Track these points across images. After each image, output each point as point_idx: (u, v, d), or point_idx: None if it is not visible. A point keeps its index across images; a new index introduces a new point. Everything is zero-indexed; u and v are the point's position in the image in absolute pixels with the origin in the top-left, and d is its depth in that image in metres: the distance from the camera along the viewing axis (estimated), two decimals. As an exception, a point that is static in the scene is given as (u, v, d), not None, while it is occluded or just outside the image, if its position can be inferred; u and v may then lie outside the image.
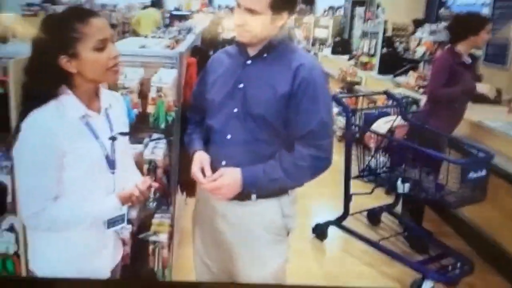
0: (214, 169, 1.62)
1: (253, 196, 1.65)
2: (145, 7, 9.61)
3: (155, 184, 1.56)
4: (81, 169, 1.40)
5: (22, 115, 1.35)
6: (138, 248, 2.21)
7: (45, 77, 1.34)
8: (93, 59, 1.34)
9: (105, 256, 1.57)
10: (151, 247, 2.17)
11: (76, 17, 1.33)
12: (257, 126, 1.59)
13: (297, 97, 1.55)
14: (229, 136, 1.63)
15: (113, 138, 1.48)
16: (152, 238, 2.17)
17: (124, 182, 1.54)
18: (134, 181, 1.54)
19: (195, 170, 1.63)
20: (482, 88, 3.16)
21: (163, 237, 2.18)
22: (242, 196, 1.62)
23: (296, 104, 1.55)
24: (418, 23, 5.90)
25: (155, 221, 2.22)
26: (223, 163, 1.62)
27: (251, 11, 1.52)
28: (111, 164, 1.47)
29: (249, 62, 1.62)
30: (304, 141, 1.57)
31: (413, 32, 5.72)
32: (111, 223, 1.50)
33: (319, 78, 1.58)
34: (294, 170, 1.59)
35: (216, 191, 1.59)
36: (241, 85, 1.61)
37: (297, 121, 1.57)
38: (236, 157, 1.61)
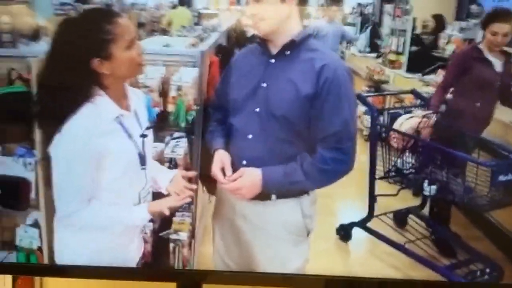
0: (234, 168, 1.63)
1: (273, 196, 1.65)
2: (174, 6, 9.82)
3: (188, 199, 1.59)
4: (119, 168, 1.45)
5: (55, 115, 1.37)
6: (159, 246, 2.23)
7: (76, 79, 1.36)
8: (126, 58, 1.38)
9: (131, 251, 1.63)
10: (171, 246, 2.19)
11: (104, 19, 1.36)
12: (279, 126, 1.58)
13: (321, 98, 1.53)
14: (250, 136, 1.62)
15: (143, 135, 1.53)
16: (173, 237, 2.18)
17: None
18: (164, 177, 1.64)
19: (215, 169, 1.65)
20: None
21: (183, 236, 2.19)
22: (262, 196, 1.62)
23: (319, 105, 1.54)
24: (439, 19, 5.72)
25: (176, 219, 2.24)
26: (244, 162, 1.63)
27: None
28: (143, 160, 1.52)
29: (272, 60, 1.61)
30: (326, 143, 1.56)
31: (436, 29, 5.56)
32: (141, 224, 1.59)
33: (344, 79, 1.56)
34: (315, 173, 1.57)
35: (236, 191, 1.60)
36: (264, 84, 1.60)
37: (320, 122, 1.55)
38: (257, 157, 1.61)
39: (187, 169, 2.24)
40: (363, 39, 7.10)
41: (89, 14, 1.43)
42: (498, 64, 2.95)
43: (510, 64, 3.01)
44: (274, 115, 1.57)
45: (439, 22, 5.74)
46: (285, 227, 1.69)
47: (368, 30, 6.97)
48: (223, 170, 1.64)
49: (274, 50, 1.61)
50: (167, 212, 1.51)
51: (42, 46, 2.66)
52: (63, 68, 1.36)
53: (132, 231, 1.60)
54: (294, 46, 1.58)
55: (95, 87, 1.41)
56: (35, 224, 2.10)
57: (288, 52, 1.59)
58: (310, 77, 1.54)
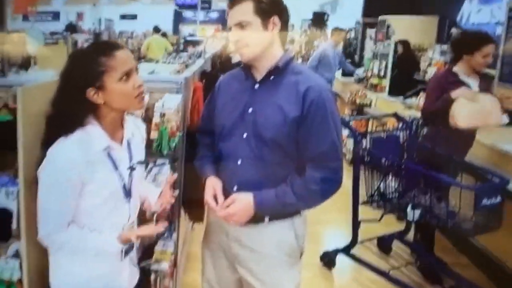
0: (226, 194, 1.63)
1: (266, 218, 1.65)
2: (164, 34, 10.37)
3: (161, 229, 1.57)
4: (99, 198, 1.47)
5: (48, 141, 1.42)
6: (141, 277, 2.17)
7: (73, 108, 1.41)
8: (119, 90, 1.41)
9: (119, 282, 1.62)
10: (152, 276, 2.13)
11: (101, 52, 1.41)
12: (268, 150, 1.58)
13: (307, 120, 1.55)
14: (239, 161, 1.63)
15: (132, 169, 1.54)
16: (154, 267, 2.12)
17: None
18: (154, 195, 1.70)
19: (207, 197, 1.65)
20: (456, 93, 2.87)
21: (164, 266, 2.13)
22: (255, 218, 1.62)
23: (306, 127, 1.55)
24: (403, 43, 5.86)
25: (157, 248, 2.18)
26: (235, 188, 1.63)
27: (241, 25, 1.55)
28: (127, 193, 1.53)
29: (257, 86, 1.62)
30: (315, 163, 1.57)
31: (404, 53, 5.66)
32: (126, 251, 1.54)
33: (328, 100, 1.58)
34: (305, 193, 1.58)
35: (230, 217, 1.60)
36: (251, 110, 1.61)
37: (308, 143, 1.57)
38: (247, 182, 1.61)
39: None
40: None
41: (93, 47, 1.51)
42: (474, 85, 2.99)
43: (485, 83, 3.06)
44: (262, 139, 1.57)
45: (406, 46, 5.87)
46: (279, 248, 1.67)
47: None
48: (215, 198, 1.64)
49: (258, 76, 1.62)
50: (134, 240, 1.52)
51: (31, 75, 2.66)
52: (63, 97, 1.41)
53: (118, 260, 1.56)
54: (278, 71, 1.59)
55: (89, 115, 1.44)
56: (16, 255, 2.04)
57: (273, 77, 1.60)
58: (295, 100, 1.54)
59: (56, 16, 17.96)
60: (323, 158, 1.56)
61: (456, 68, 3.01)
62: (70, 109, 1.40)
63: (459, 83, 2.95)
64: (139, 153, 1.61)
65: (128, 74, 1.41)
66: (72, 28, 12.12)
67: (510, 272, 3.02)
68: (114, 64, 1.39)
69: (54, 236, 1.46)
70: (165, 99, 2.15)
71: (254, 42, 1.56)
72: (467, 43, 3.00)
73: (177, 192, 1.72)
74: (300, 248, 1.73)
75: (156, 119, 2.07)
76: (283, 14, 1.60)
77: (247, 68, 1.65)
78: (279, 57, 1.60)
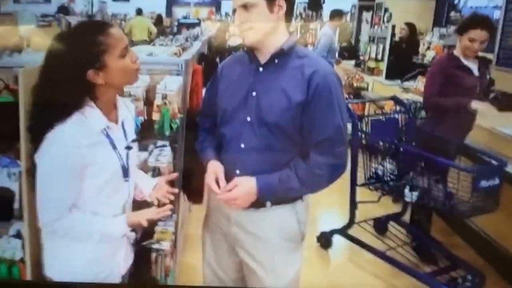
0: (228, 178, 1.61)
1: (268, 203, 1.64)
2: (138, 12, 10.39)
3: (168, 212, 1.58)
4: (101, 179, 1.45)
5: (45, 125, 1.38)
6: (141, 256, 2.20)
7: (70, 91, 1.37)
8: (120, 66, 1.40)
9: (117, 262, 1.62)
10: (153, 255, 2.15)
11: (97, 31, 1.38)
12: (271, 134, 1.57)
13: (312, 104, 1.53)
14: (243, 145, 1.61)
15: (128, 148, 1.54)
16: (155, 246, 2.15)
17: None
18: (148, 185, 1.67)
19: (209, 181, 1.63)
20: (477, 105, 2.93)
21: (166, 245, 2.16)
22: (257, 203, 1.61)
23: (311, 111, 1.53)
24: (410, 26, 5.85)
25: (158, 228, 2.21)
26: (237, 172, 1.61)
27: (245, 7, 1.51)
28: (125, 172, 1.52)
29: (261, 69, 1.60)
30: (320, 148, 1.56)
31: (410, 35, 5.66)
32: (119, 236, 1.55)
33: (334, 84, 1.56)
34: (310, 178, 1.57)
35: (232, 201, 1.58)
36: (254, 93, 1.59)
37: (312, 128, 1.55)
38: (250, 166, 1.59)
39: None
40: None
41: (81, 27, 1.47)
42: (475, 68, 3.00)
43: (484, 67, 3.07)
44: (266, 123, 1.56)
45: (412, 29, 5.85)
46: (281, 233, 1.67)
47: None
48: (217, 181, 1.62)
49: (263, 59, 1.59)
50: (145, 224, 1.52)
51: (26, 57, 2.64)
52: (57, 81, 1.37)
53: (117, 241, 1.59)
54: (283, 54, 1.57)
55: (86, 97, 1.42)
56: (18, 235, 2.05)
57: (277, 61, 1.57)
58: (300, 84, 1.53)
59: (47, -2, 17.69)
60: (328, 143, 1.55)
61: (456, 52, 3.00)
62: (67, 92, 1.37)
63: (462, 68, 2.95)
64: (132, 133, 1.60)
65: (125, 50, 1.41)
66: (64, 10, 11.96)
67: (505, 253, 3.07)
68: (113, 42, 1.38)
69: (57, 223, 1.44)
70: (167, 81, 2.14)
71: (259, 25, 1.53)
72: (460, 24, 3.02)
73: (176, 190, 1.69)
74: (302, 233, 1.73)
75: (158, 100, 2.07)
76: None
77: (250, 51, 1.62)
78: (284, 40, 1.58)
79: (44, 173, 1.40)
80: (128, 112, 1.61)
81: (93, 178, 1.43)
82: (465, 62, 2.97)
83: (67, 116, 1.37)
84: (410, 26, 5.86)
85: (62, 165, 1.37)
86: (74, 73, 1.36)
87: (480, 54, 3.09)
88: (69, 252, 1.51)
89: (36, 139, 1.39)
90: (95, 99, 1.42)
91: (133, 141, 1.58)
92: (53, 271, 1.55)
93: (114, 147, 1.47)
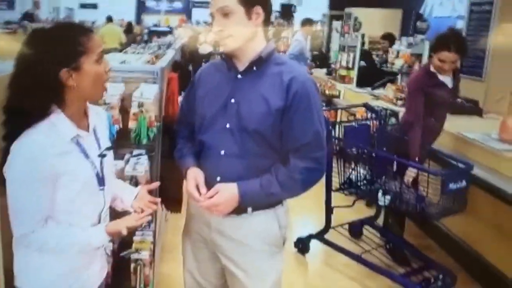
0: (208, 185, 1.60)
1: (249, 209, 1.64)
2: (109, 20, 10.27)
3: (147, 218, 1.55)
4: (74, 189, 1.40)
5: (10, 136, 1.33)
6: (119, 267, 2.17)
7: (38, 94, 1.32)
8: (94, 72, 1.37)
9: (92, 273, 1.57)
10: (132, 265, 2.12)
11: (80, 32, 1.36)
12: (251, 140, 1.58)
13: (291, 110, 1.54)
14: (222, 152, 1.61)
15: (102, 155, 1.50)
16: (134, 256, 2.12)
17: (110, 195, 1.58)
18: (128, 194, 1.63)
19: (190, 188, 1.62)
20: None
21: (144, 255, 2.13)
22: (238, 210, 1.61)
23: (290, 117, 1.55)
24: (388, 38, 6.01)
25: (136, 238, 2.18)
26: (218, 179, 1.61)
27: (224, 13, 1.52)
28: (100, 181, 1.48)
29: (239, 76, 1.61)
30: (299, 153, 1.57)
31: (382, 48, 5.81)
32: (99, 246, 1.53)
33: (312, 90, 1.58)
34: (290, 183, 1.58)
35: (213, 208, 1.58)
36: (233, 100, 1.59)
37: (292, 134, 1.56)
38: (231, 173, 1.60)
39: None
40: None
41: (62, 26, 1.43)
42: (449, 82, 3.07)
43: (456, 77, 3.14)
44: (246, 130, 1.56)
45: (390, 40, 5.99)
46: (263, 238, 1.68)
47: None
48: (197, 188, 1.61)
49: (241, 66, 1.60)
50: (125, 232, 1.48)
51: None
52: (29, 77, 1.32)
53: (92, 252, 1.55)
54: (261, 62, 1.58)
55: (54, 104, 1.36)
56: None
57: (255, 68, 1.59)
58: (279, 91, 1.54)
59: (10, 4, 17.17)
60: (307, 148, 1.56)
61: (432, 68, 3.02)
62: (35, 95, 1.32)
63: (439, 85, 3.00)
64: (105, 140, 1.56)
65: (101, 56, 1.39)
66: (28, 17, 11.69)
67: (473, 253, 3.17)
68: (92, 45, 1.36)
69: (32, 236, 1.38)
70: (143, 89, 2.14)
71: (237, 33, 1.54)
72: (433, 42, 3.07)
73: (158, 199, 1.66)
74: (283, 237, 1.74)
75: (134, 109, 2.05)
76: (267, 4, 1.59)
77: (229, 58, 1.63)
78: (262, 47, 1.60)
79: (13, 185, 1.34)
80: (100, 120, 1.57)
81: (66, 188, 1.38)
82: (441, 78, 3.02)
83: (34, 124, 1.33)
84: (389, 37, 6.01)
85: (32, 173, 1.31)
86: (48, 69, 1.31)
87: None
88: (41, 263, 1.45)
89: (5, 149, 1.34)
90: (63, 106, 1.38)
91: (108, 149, 1.55)
92: (24, 283, 1.49)
93: (87, 156, 1.43)
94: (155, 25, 12.66)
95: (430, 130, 3.08)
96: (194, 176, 1.63)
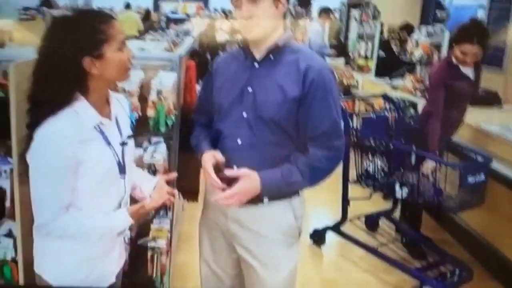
0: (225, 174, 1.56)
1: (265, 199, 1.63)
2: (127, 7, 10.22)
3: (171, 200, 1.57)
4: (96, 177, 1.41)
5: (34, 122, 1.33)
6: (136, 254, 2.18)
7: (61, 82, 1.33)
8: (117, 59, 1.37)
9: (111, 260, 1.58)
10: (149, 253, 2.14)
11: (101, 20, 1.36)
12: (268, 129, 1.57)
13: (308, 98, 1.53)
14: (239, 141, 1.60)
15: (123, 144, 1.50)
16: (151, 244, 2.13)
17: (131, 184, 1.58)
18: (148, 184, 1.61)
19: (207, 166, 1.57)
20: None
21: (161, 243, 2.14)
22: (255, 199, 1.59)
23: (307, 106, 1.54)
24: (407, 28, 5.91)
25: (153, 226, 2.19)
26: (235, 168, 1.59)
27: (253, 0, 1.49)
28: (122, 169, 1.49)
29: (256, 65, 1.60)
30: (317, 142, 1.56)
31: (401, 38, 5.72)
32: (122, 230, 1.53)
33: (328, 78, 1.57)
34: (310, 171, 1.57)
35: (233, 198, 1.54)
36: (250, 89, 1.59)
37: (309, 123, 1.56)
38: (248, 162, 1.58)
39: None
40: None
41: (83, 13, 1.41)
42: (470, 73, 3.00)
43: (478, 69, 3.08)
44: (262, 119, 1.56)
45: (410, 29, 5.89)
46: (279, 228, 1.67)
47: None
48: (217, 171, 1.56)
49: (258, 55, 1.59)
50: (152, 211, 1.52)
51: (10, 51, 2.59)
52: (52, 65, 1.32)
53: (113, 239, 1.56)
54: (278, 50, 1.57)
55: (77, 92, 1.36)
56: (9, 234, 2.01)
57: (272, 56, 1.58)
58: (296, 79, 1.53)
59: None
60: (325, 137, 1.56)
61: (454, 59, 2.94)
62: (60, 82, 1.32)
63: (461, 77, 2.94)
64: (127, 128, 1.56)
65: (123, 44, 1.39)
66: (47, 3, 11.69)
67: (490, 248, 3.13)
68: (114, 33, 1.35)
69: (54, 223, 1.38)
70: (162, 76, 2.13)
71: (265, 21, 1.53)
72: (456, 32, 2.98)
73: (176, 191, 1.64)
74: (299, 228, 1.73)
75: (152, 96, 2.05)
76: None
77: (246, 47, 1.62)
78: (279, 36, 1.59)
79: (36, 173, 1.35)
80: (122, 107, 1.58)
81: (87, 176, 1.39)
82: (463, 70, 2.95)
83: (58, 111, 1.32)
84: (407, 27, 5.91)
85: (54, 163, 1.32)
86: (71, 58, 1.31)
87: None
88: (61, 250, 1.46)
89: (29, 137, 1.35)
90: (86, 94, 1.38)
91: (129, 137, 1.55)
92: (44, 268, 1.50)
93: (109, 144, 1.43)
94: (173, 12, 12.61)
95: (451, 122, 3.03)
96: (212, 154, 1.60)
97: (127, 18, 9.89)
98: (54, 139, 1.31)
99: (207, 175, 1.59)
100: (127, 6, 10.82)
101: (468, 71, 2.98)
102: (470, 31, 2.86)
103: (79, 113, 1.36)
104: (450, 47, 3.06)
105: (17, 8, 6.24)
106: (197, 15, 9.37)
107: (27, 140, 1.35)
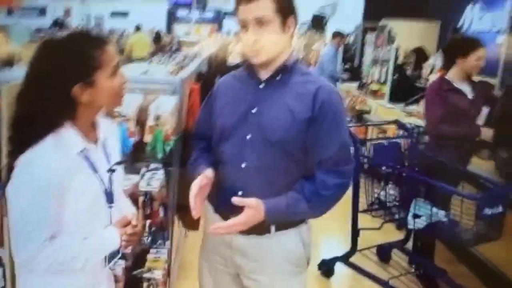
0: (228, 200, 1.46)
1: (272, 229, 1.56)
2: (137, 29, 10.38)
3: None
4: (82, 205, 1.33)
5: (16, 151, 1.25)
6: (132, 285, 2.10)
7: (47, 110, 1.25)
8: (109, 87, 1.31)
9: None
10: (145, 285, 2.05)
11: (94, 45, 1.29)
12: (274, 152, 1.50)
13: (318, 121, 1.48)
14: (244, 164, 1.53)
15: (111, 170, 1.42)
16: (147, 275, 2.05)
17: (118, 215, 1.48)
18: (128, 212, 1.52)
19: (192, 186, 1.49)
20: (486, 133, 2.93)
21: (158, 274, 2.06)
22: (261, 229, 1.53)
23: (317, 128, 1.49)
24: (417, 52, 5.83)
25: (150, 256, 2.12)
26: (240, 193, 1.52)
27: (260, 22, 1.44)
28: (109, 197, 1.41)
29: (261, 86, 1.54)
30: (325, 167, 1.50)
31: (416, 62, 5.66)
32: (110, 257, 1.44)
33: (338, 101, 1.54)
34: (317, 200, 1.50)
35: (235, 228, 1.47)
36: (255, 110, 1.52)
37: (318, 146, 1.50)
38: (252, 187, 1.51)
39: (163, 203, 2.13)
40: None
41: (75, 37, 1.33)
42: (468, 91, 2.96)
43: (481, 91, 3.03)
44: (268, 141, 1.49)
45: (421, 55, 5.83)
46: (287, 258, 1.60)
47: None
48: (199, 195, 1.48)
49: (264, 75, 1.55)
50: (138, 225, 1.45)
51: (16, 72, 2.58)
52: (38, 94, 1.25)
53: (100, 271, 1.47)
54: (286, 71, 1.54)
55: (63, 117, 1.29)
56: (-1, 262, 1.95)
57: (279, 77, 1.54)
58: (306, 101, 1.49)
59: (42, 11, 17.41)
60: (334, 161, 1.50)
61: (449, 75, 2.98)
62: (47, 109, 1.24)
63: (454, 91, 2.93)
64: (116, 154, 1.48)
65: (116, 69, 1.32)
66: (59, 24, 11.90)
67: (510, 283, 2.96)
68: (107, 59, 1.29)
69: (39, 257, 1.28)
70: (160, 101, 2.07)
71: (272, 44, 1.48)
72: (461, 46, 2.97)
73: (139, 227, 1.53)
74: (307, 257, 1.66)
75: (150, 121, 1.99)
76: (296, 15, 1.53)
77: (251, 68, 1.56)
78: (287, 57, 1.54)
79: (18, 204, 1.26)
80: (110, 132, 1.49)
81: (73, 205, 1.30)
82: (457, 85, 2.95)
83: (41, 138, 1.25)
84: (418, 51, 5.85)
85: (39, 193, 1.23)
86: (60, 86, 1.24)
87: (482, 78, 3.07)
88: (45, 286, 1.38)
89: (9, 167, 1.26)
90: (72, 118, 1.31)
91: (118, 163, 1.46)
92: None
93: (95, 171, 1.35)
94: (186, 34, 12.77)
95: (463, 148, 2.95)
96: (204, 175, 1.52)
97: (137, 40, 10.00)
98: (39, 167, 1.23)
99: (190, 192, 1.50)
100: (138, 28, 10.95)
101: (465, 88, 2.96)
102: (477, 39, 3.01)
103: (64, 139, 1.29)
104: (449, 63, 3.05)
105: (29, 30, 6.36)
106: (208, 37, 9.43)
107: (7, 170, 1.26)
